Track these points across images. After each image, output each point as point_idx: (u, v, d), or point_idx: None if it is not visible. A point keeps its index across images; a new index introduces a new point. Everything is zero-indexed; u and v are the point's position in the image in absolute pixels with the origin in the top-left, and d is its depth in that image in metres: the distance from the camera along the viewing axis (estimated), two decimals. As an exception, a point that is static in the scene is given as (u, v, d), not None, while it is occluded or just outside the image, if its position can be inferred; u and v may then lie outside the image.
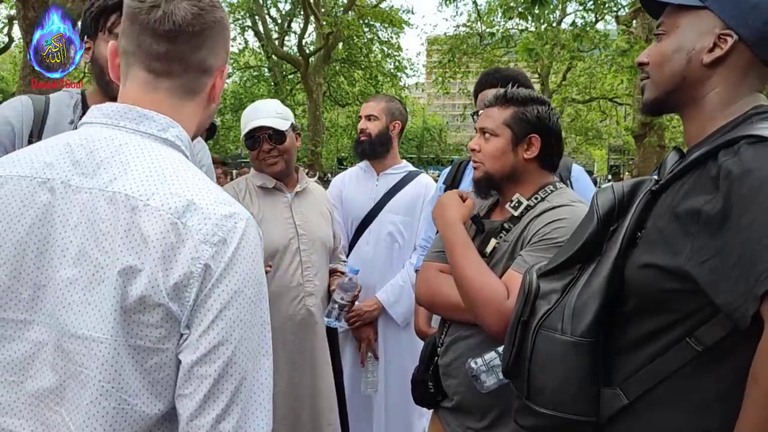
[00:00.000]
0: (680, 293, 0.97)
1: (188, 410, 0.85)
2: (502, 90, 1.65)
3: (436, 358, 1.73)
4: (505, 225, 1.62)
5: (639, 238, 1.06)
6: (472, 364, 1.48)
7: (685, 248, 0.94)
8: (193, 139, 1.03)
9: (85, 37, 1.46)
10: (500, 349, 1.50)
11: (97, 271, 0.85)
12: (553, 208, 1.55)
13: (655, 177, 1.12)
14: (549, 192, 1.61)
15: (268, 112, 2.27)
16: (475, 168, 1.67)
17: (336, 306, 2.24)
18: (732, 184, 0.90)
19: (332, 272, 2.44)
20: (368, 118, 2.74)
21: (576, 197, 1.64)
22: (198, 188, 0.89)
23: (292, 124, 2.31)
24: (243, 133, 2.28)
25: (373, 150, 2.75)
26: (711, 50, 1.04)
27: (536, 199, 1.60)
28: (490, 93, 1.71)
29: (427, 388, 1.75)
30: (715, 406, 0.97)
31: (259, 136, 2.24)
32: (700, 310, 0.96)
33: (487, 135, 1.63)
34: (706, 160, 0.99)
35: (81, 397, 0.85)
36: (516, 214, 1.60)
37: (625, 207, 1.11)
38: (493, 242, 1.61)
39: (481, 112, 1.74)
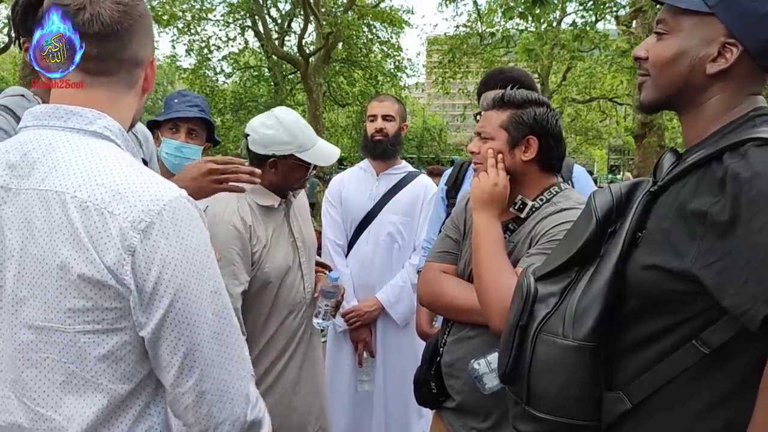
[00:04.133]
0: (685, 295, 0.96)
1: (168, 381, 0.94)
2: (499, 93, 1.65)
3: (438, 358, 1.72)
4: (510, 225, 1.62)
5: (639, 239, 1.04)
6: (475, 365, 1.48)
7: (691, 250, 0.94)
8: (131, 128, 1.07)
9: (20, 38, 1.41)
10: None
11: (38, 266, 0.89)
12: (561, 210, 1.55)
13: (652, 178, 1.10)
14: (554, 193, 1.62)
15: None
16: (476, 170, 1.68)
17: (322, 310, 2.19)
18: (741, 187, 0.89)
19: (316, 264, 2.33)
20: (385, 118, 2.73)
21: (582, 199, 1.64)
22: (124, 176, 0.92)
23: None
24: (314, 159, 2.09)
25: (391, 150, 2.75)
26: (714, 59, 1.02)
27: (541, 200, 1.61)
28: (491, 94, 1.72)
29: (429, 388, 1.74)
30: (719, 408, 0.96)
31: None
32: (705, 311, 0.95)
33: (484, 138, 1.65)
34: (710, 162, 0.98)
35: (52, 381, 0.91)
36: (522, 215, 1.61)
37: (623, 209, 1.09)
38: None
39: (481, 114, 1.74)
